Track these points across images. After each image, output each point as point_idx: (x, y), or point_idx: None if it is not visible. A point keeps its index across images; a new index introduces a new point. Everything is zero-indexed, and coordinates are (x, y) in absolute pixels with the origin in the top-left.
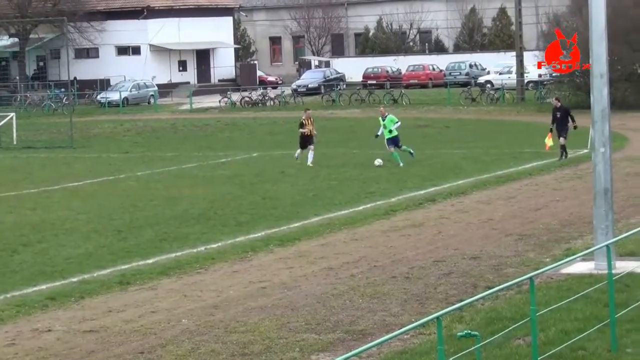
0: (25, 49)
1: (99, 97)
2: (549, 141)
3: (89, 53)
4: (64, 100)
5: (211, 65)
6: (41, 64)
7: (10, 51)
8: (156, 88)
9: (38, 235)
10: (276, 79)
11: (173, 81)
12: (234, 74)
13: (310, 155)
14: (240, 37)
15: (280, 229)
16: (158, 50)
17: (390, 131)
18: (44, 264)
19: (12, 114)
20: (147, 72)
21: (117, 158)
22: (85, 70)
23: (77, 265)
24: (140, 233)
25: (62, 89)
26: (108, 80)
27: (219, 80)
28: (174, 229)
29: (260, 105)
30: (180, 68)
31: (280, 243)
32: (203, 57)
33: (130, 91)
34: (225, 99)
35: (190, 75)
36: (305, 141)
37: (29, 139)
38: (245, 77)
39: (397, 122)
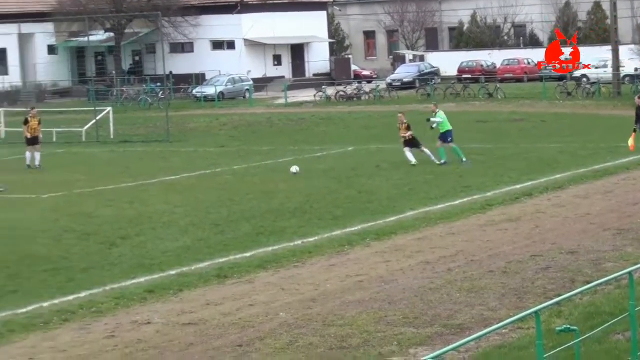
0: (121, 43)
1: (194, 91)
2: (631, 141)
3: (184, 48)
4: (160, 95)
5: (306, 59)
6: (137, 58)
7: (106, 46)
8: (251, 82)
9: (136, 228)
10: (371, 73)
11: (268, 75)
12: (328, 69)
13: (427, 152)
14: (334, 32)
15: (377, 222)
16: (253, 44)
17: (443, 126)
18: (143, 257)
19: (109, 109)
20: (242, 66)
21: (214, 152)
22: (180, 64)
23: (176, 258)
24: (237, 227)
25: (158, 84)
26: (203, 75)
27: (314, 75)
28: (270, 222)
29: (355, 99)
30: (275, 62)
31: (376, 237)
32: (298, 51)
33: (226, 85)
34: (320, 94)
35: (285, 70)
36: (411, 144)
37: (126, 133)
38: (340, 71)
39: (440, 119)
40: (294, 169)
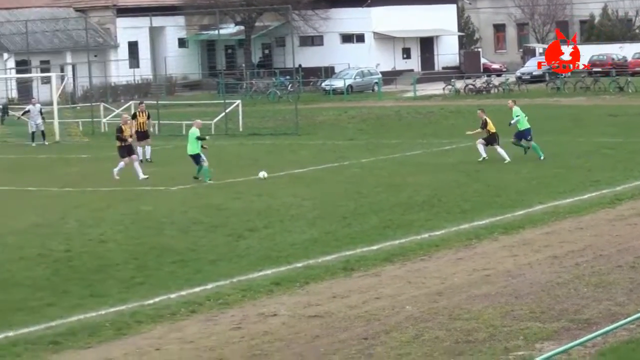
0: (251, 37)
1: (323, 84)
2: None
3: (314, 41)
4: (289, 88)
5: (435, 52)
6: (266, 51)
7: (236, 39)
8: (380, 76)
9: (264, 220)
10: (500, 66)
11: (397, 69)
12: (457, 62)
13: (500, 151)
14: (464, 25)
15: (505, 216)
16: (382, 37)
17: (521, 124)
18: (270, 249)
19: (238, 101)
20: (371, 59)
21: (342, 145)
22: (309, 57)
23: (303, 250)
24: (364, 219)
25: (287, 77)
26: (332, 68)
27: (443, 68)
28: (398, 215)
29: (484, 92)
30: (404, 56)
31: (504, 231)
32: (427, 44)
33: (355, 79)
34: (449, 87)
35: (414, 63)
36: (489, 140)
37: (255, 125)
38: (469, 64)
39: (517, 117)
40: (262, 174)
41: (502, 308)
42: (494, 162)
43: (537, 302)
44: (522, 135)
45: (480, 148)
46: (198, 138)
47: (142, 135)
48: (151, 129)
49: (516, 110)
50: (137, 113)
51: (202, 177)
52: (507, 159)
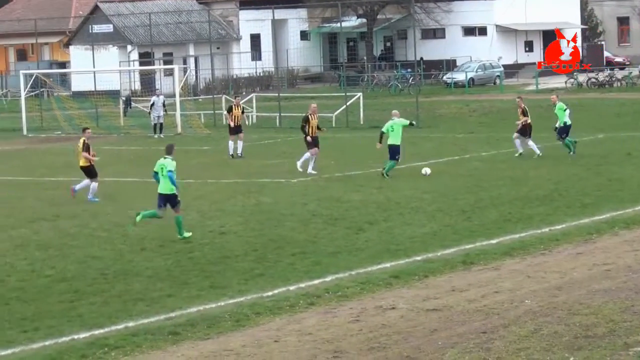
0: (372, 29)
1: (444, 77)
2: None
3: (436, 34)
4: (410, 81)
5: (565, 43)
6: (388, 44)
7: (358, 32)
8: (502, 69)
9: (384, 213)
10: (623, 59)
11: (519, 62)
12: (580, 55)
13: (532, 145)
14: (587, 18)
15: (626, 211)
16: (504, 30)
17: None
18: (389, 242)
19: (359, 94)
20: (493, 52)
21: (463, 138)
22: (431, 50)
23: (422, 244)
24: (484, 213)
25: (409, 69)
26: (454, 61)
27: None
28: (518, 209)
29: (607, 86)
30: (527, 49)
31: (625, 225)
32: (549, 37)
33: (476, 72)
34: (572, 80)
35: (537, 56)
36: (522, 132)
37: (376, 118)
38: (592, 57)
39: (566, 109)
40: (425, 170)
41: (622, 303)
42: (615, 157)
43: None
44: (563, 131)
45: (517, 143)
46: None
47: (236, 130)
48: (246, 122)
49: (560, 104)
50: (233, 106)
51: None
52: (538, 152)
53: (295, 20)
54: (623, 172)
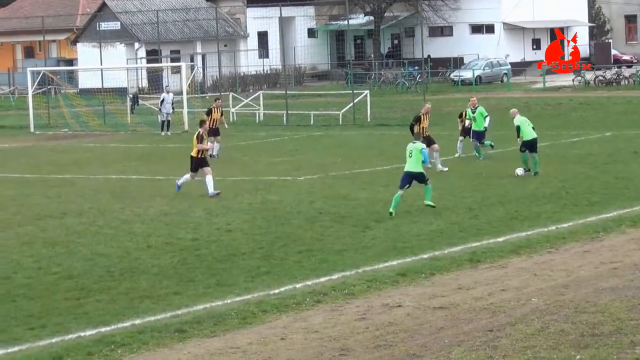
0: (380, 27)
1: (452, 75)
2: None
3: (443, 31)
4: (417, 78)
5: (565, 43)
6: (395, 42)
7: (365, 29)
8: (509, 66)
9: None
10: (631, 57)
11: (526, 60)
12: (588, 53)
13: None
14: (594, 16)
15: (633, 209)
16: (512, 28)
17: (479, 124)
18: (396, 240)
19: (366, 92)
20: (500, 50)
21: None
22: (438, 48)
23: (428, 241)
24: (491, 211)
25: (416, 67)
26: (461, 59)
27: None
28: (525, 207)
29: (614, 84)
30: (534, 46)
31: (632, 224)
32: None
33: (483, 69)
34: (579, 78)
35: (544, 54)
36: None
37: (383, 116)
38: (599, 55)
39: (486, 116)
40: (519, 171)
41: (629, 301)
42: (623, 155)
43: None
44: (480, 135)
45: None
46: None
47: (214, 132)
48: (226, 126)
49: (482, 109)
50: (212, 109)
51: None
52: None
53: (303, 17)
54: (630, 170)
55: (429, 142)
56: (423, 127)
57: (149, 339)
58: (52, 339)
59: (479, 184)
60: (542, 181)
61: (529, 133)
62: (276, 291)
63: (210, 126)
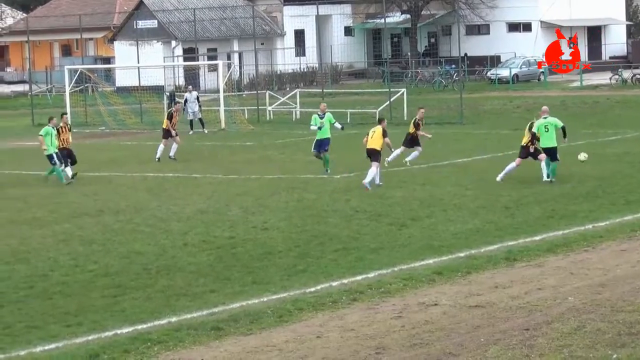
0: (417, 25)
1: (488, 73)
2: None
3: (480, 29)
4: (454, 77)
5: (602, 42)
6: (432, 40)
7: (402, 27)
8: (547, 65)
9: (427, 210)
10: None
11: (563, 58)
12: (625, 51)
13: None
14: (632, 14)
15: None
16: (549, 26)
17: (325, 131)
18: (432, 238)
19: (403, 90)
20: (537, 48)
21: (506, 134)
22: (475, 46)
23: (465, 240)
24: (527, 210)
25: (453, 65)
26: (498, 57)
27: (610, 58)
28: (561, 206)
29: None
30: (571, 45)
31: None
32: (594, 33)
33: (520, 68)
34: (616, 76)
35: (581, 52)
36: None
37: None
38: (637, 54)
39: (335, 122)
40: (582, 155)
41: None
42: None
43: None
44: (324, 144)
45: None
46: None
47: (167, 134)
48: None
49: (328, 115)
50: (173, 113)
51: None
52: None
53: (339, 16)
54: None
55: (414, 143)
56: (417, 133)
57: (185, 336)
58: (89, 337)
59: (515, 183)
60: (579, 180)
61: (545, 140)
62: (312, 289)
63: (167, 127)
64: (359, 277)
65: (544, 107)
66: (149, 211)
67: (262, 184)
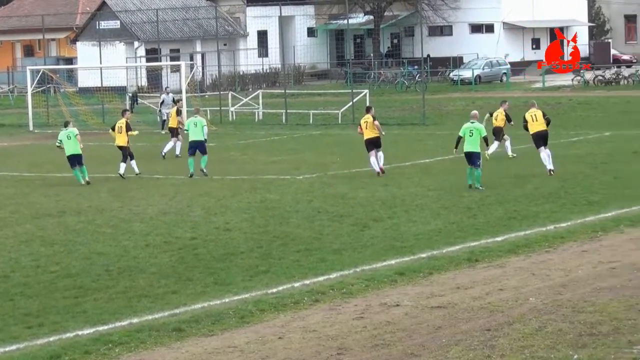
0: (379, 26)
1: (451, 74)
2: None
3: (443, 31)
4: (416, 78)
5: (565, 43)
6: (395, 41)
7: (365, 28)
8: (509, 66)
9: (389, 210)
10: (630, 57)
11: (526, 59)
12: (587, 53)
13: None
14: (594, 15)
15: (632, 209)
16: (511, 28)
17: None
18: (394, 239)
19: (366, 91)
20: (500, 50)
21: None
22: (438, 47)
23: (427, 241)
24: (489, 211)
25: (415, 66)
26: (461, 58)
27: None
28: (523, 207)
29: (613, 84)
30: (534, 46)
31: (631, 223)
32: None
33: (483, 69)
34: (578, 78)
35: (544, 54)
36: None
37: (382, 115)
38: (599, 55)
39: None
40: None
41: (627, 301)
42: (622, 155)
43: None
44: (198, 147)
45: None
46: None
47: (175, 131)
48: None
49: (199, 119)
50: (180, 109)
51: None
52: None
53: (302, 16)
54: (629, 170)
55: (378, 145)
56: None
57: (146, 337)
58: (50, 338)
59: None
60: (540, 181)
61: (468, 144)
62: (274, 290)
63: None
64: (321, 278)
65: (473, 112)
66: (110, 212)
67: (224, 185)
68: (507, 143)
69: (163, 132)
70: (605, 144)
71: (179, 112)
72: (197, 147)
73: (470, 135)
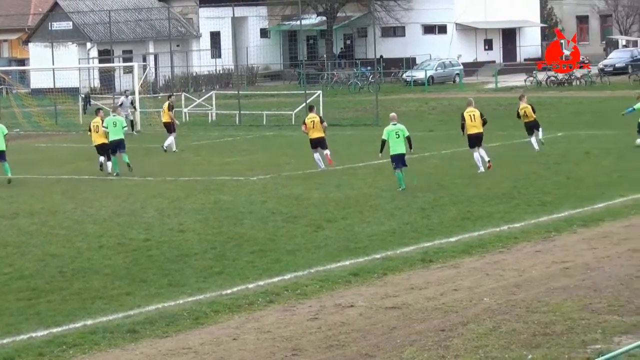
0: (332, 27)
1: (404, 75)
2: None
3: (395, 31)
4: (369, 79)
5: (517, 44)
6: (348, 42)
7: (318, 29)
8: (461, 67)
9: (343, 211)
10: (583, 58)
11: (479, 60)
12: (540, 53)
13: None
14: (546, 16)
15: (584, 209)
16: (464, 29)
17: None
18: (348, 240)
19: (319, 92)
20: (452, 50)
21: (422, 136)
22: (391, 48)
23: (380, 241)
24: (443, 211)
25: (368, 67)
26: (414, 59)
27: (525, 60)
28: (477, 207)
29: (566, 84)
30: (486, 47)
31: (583, 224)
32: (509, 36)
33: (436, 70)
34: (531, 78)
35: (496, 54)
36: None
37: (335, 116)
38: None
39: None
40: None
41: (580, 301)
42: (574, 155)
43: (616, 296)
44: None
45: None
46: None
47: (171, 126)
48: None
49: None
50: (173, 105)
51: None
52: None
53: (255, 17)
54: (582, 170)
55: (324, 145)
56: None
57: (100, 339)
58: (3, 340)
59: (431, 184)
60: (494, 181)
61: (395, 146)
62: (228, 291)
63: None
64: (275, 279)
65: (392, 114)
66: (64, 214)
67: (177, 186)
68: (533, 138)
69: (134, 132)
70: (558, 145)
71: (170, 107)
72: (117, 146)
73: (396, 137)
